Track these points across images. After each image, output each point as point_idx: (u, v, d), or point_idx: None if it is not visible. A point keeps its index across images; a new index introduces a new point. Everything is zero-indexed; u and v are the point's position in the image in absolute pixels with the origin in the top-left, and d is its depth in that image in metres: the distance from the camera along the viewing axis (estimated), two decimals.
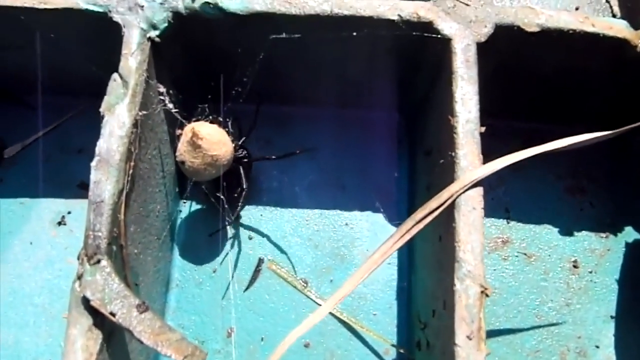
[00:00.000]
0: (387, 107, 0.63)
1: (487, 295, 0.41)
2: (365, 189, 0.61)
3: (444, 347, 0.43)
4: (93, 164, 0.44)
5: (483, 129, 0.45)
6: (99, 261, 0.42)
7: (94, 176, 0.44)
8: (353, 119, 0.64)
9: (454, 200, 0.44)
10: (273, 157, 0.57)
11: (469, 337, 0.40)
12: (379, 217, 0.60)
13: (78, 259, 0.42)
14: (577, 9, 0.68)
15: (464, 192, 0.43)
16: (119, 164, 0.44)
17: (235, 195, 0.56)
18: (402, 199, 0.61)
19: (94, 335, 0.41)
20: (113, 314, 0.40)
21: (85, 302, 0.41)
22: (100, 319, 0.41)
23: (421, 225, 0.44)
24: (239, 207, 0.58)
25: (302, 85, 0.61)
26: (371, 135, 0.63)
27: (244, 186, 0.56)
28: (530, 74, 0.55)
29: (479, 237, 0.43)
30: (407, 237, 0.44)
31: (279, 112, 0.63)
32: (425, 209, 0.44)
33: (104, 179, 0.44)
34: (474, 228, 0.43)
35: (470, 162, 0.44)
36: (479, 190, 0.44)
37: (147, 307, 0.41)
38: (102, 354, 0.41)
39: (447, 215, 0.44)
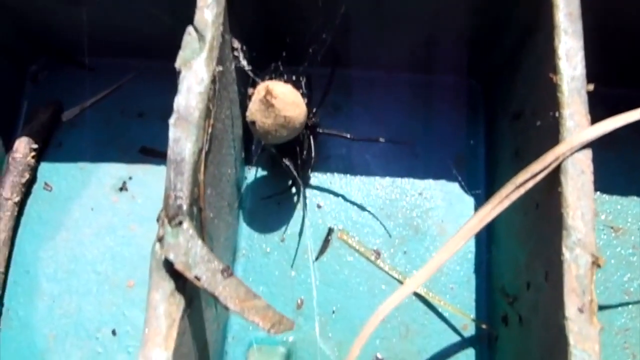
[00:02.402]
0: (463, 72, 0.60)
1: (598, 266, 0.38)
2: (439, 157, 0.58)
3: (547, 322, 0.40)
4: (171, 121, 0.41)
5: (591, 86, 0.42)
6: (180, 223, 0.39)
7: (172, 134, 0.41)
8: (425, 84, 0.60)
9: (560, 164, 0.40)
10: (348, 136, 0.53)
11: (580, 310, 0.37)
12: (454, 186, 0.57)
13: (158, 220, 0.40)
14: None
15: (571, 154, 0.40)
16: (198, 122, 0.41)
17: (300, 163, 0.53)
18: (479, 166, 0.57)
19: (176, 300, 0.39)
20: (198, 278, 0.38)
21: (168, 265, 0.39)
22: (182, 283, 0.39)
23: (522, 190, 0.41)
24: (307, 174, 0.55)
25: (372, 47, 0.58)
26: (444, 100, 0.60)
27: (312, 155, 0.53)
28: (628, 34, 0.51)
29: (589, 203, 0.39)
30: (507, 202, 0.41)
31: (348, 76, 0.60)
32: (527, 173, 0.41)
33: (184, 137, 0.41)
34: (583, 193, 0.39)
35: (578, 122, 0.41)
36: (588, 152, 0.40)
37: (231, 272, 0.39)
38: (182, 320, 0.39)
39: (549, 181, 0.41)
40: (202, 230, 0.43)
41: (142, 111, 0.60)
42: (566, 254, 0.38)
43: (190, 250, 0.39)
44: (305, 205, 0.56)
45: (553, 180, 0.41)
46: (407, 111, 0.60)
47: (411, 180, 0.57)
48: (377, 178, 0.57)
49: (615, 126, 0.41)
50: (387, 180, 0.57)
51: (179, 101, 0.42)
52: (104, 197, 0.57)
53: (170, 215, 0.40)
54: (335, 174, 0.58)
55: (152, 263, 0.39)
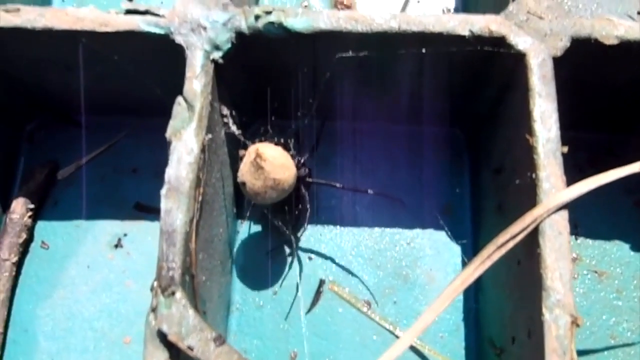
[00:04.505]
0: (447, 121, 0.62)
1: (577, 325, 0.39)
2: (426, 206, 0.59)
3: None
4: (163, 192, 0.43)
5: (565, 148, 0.43)
6: (173, 293, 0.41)
7: (164, 205, 0.43)
8: (411, 135, 0.62)
9: (538, 225, 0.42)
10: (338, 185, 0.55)
11: None
12: (442, 235, 0.58)
13: (151, 290, 0.41)
14: (639, 13, 0.66)
15: (548, 216, 0.42)
16: (189, 192, 0.43)
17: (297, 213, 0.55)
18: (465, 216, 0.59)
19: None
20: (191, 348, 0.39)
21: (161, 335, 0.40)
22: (175, 352, 0.40)
23: (503, 251, 0.42)
24: (303, 228, 0.57)
25: (359, 100, 0.60)
26: (430, 150, 0.61)
27: (307, 206, 0.54)
28: (601, 85, 0.53)
29: (566, 264, 0.41)
30: (489, 262, 0.43)
31: (334, 129, 0.61)
32: (507, 234, 0.42)
33: (175, 208, 0.42)
34: (560, 254, 0.41)
35: (554, 185, 0.42)
36: (564, 214, 0.42)
37: (223, 340, 0.40)
38: None
39: (529, 239, 0.43)
40: (194, 296, 0.44)
41: (136, 167, 0.62)
42: (546, 315, 0.40)
43: (182, 320, 0.40)
44: (298, 259, 0.57)
45: (532, 241, 0.42)
46: (394, 162, 0.61)
47: (400, 230, 0.59)
48: (366, 229, 0.59)
49: (589, 188, 0.43)
50: (376, 230, 0.59)
51: (170, 172, 0.43)
52: (100, 254, 0.59)
53: (163, 286, 0.41)
54: (325, 226, 0.59)
55: (146, 333, 0.40)
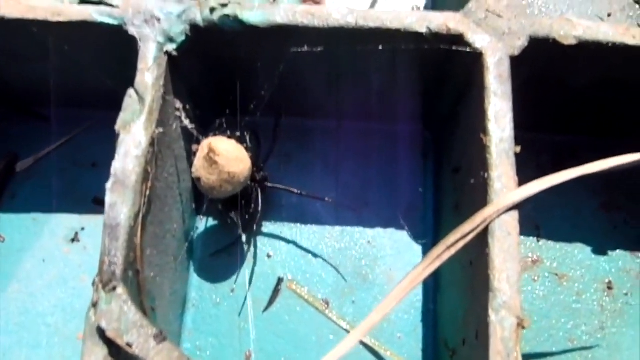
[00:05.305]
0: (412, 120, 0.61)
1: (523, 328, 0.39)
2: (388, 205, 0.59)
3: None
4: (108, 185, 0.42)
5: (518, 148, 0.43)
6: (114, 288, 0.40)
7: (109, 198, 0.42)
8: (376, 133, 0.61)
9: (488, 225, 0.41)
10: (296, 191, 0.55)
11: None
12: (403, 235, 0.58)
13: (93, 285, 0.41)
14: (609, 15, 0.66)
15: (498, 216, 0.41)
16: (135, 186, 0.42)
17: (247, 216, 0.54)
18: (427, 215, 0.58)
19: None
20: (130, 345, 0.39)
21: (101, 331, 0.39)
22: (115, 349, 0.39)
23: (453, 251, 0.42)
24: (254, 227, 0.56)
25: (323, 98, 0.59)
26: (395, 149, 0.61)
27: (259, 209, 0.54)
28: (562, 86, 0.53)
29: (514, 266, 0.40)
30: (438, 262, 0.42)
31: (299, 126, 0.61)
32: (457, 234, 0.42)
33: (120, 202, 0.42)
34: (509, 255, 0.40)
35: (505, 185, 0.42)
36: (514, 214, 0.41)
37: (164, 337, 0.39)
38: None
39: (480, 240, 0.42)
40: (140, 292, 0.43)
41: (96, 161, 0.61)
42: (492, 316, 0.39)
43: (122, 317, 0.39)
44: (256, 256, 0.57)
45: (482, 242, 0.42)
46: (360, 160, 0.61)
47: (361, 229, 0.58)
48: (327, 227, 0.58)
49: (541, 188, 0.42)
50: (337, 229, 0.58)
51: (116, 165, 0.43)
52: (56, 248, 0.58)
53: (104, 281, 0.40)
54: (286, 223, 0.58)
55: (86, 329, 0.40)
